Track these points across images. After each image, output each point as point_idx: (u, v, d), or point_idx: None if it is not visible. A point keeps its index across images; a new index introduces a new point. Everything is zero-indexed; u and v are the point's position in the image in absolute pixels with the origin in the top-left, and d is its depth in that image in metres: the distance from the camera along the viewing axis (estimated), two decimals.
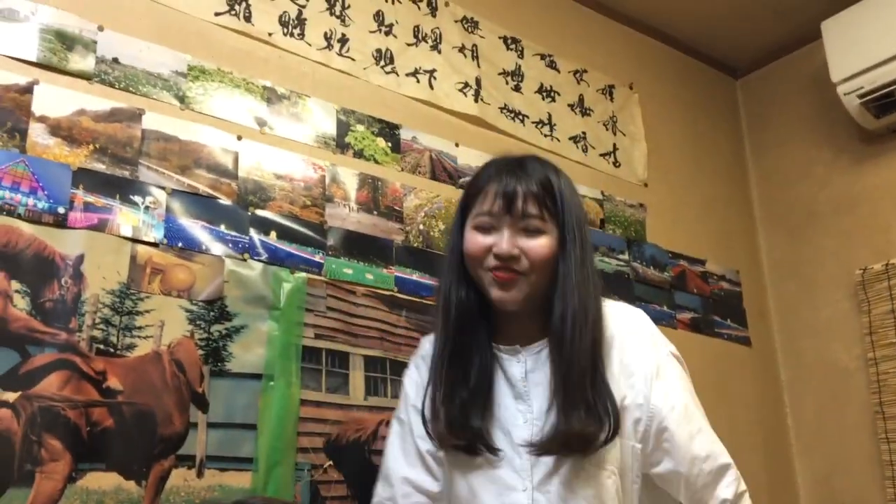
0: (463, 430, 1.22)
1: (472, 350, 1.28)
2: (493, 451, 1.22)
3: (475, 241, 1.28)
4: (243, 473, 1.48)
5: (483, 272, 1.28)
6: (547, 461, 1.21)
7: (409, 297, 1.82)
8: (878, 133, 2.36)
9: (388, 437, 1.36)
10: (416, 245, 1.88)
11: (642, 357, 1.28)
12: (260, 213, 1.66)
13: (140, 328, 1.44)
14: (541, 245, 1.25)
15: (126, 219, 1.48)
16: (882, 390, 2.19)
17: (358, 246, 1.78)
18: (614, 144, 2.41)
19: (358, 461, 1.63)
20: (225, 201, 1.62)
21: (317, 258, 1.71)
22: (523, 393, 1.26)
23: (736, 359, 2.49)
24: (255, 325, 1.58)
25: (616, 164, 2.39)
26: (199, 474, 1.44)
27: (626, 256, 2.30)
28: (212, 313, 1.53)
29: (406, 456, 1.32)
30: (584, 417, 1.18)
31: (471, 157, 2.04)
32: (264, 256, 1.63)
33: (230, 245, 1.60)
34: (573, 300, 1.24)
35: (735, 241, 2.68)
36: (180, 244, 1.53)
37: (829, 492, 2.35)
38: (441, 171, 1.99)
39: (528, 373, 1.27)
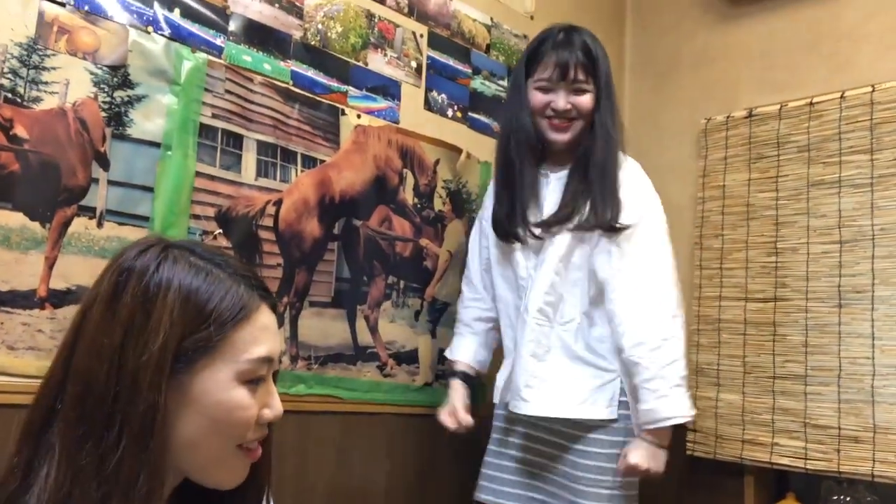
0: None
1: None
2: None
3: (538, 98, 1.89)
4: (140, 229, 1.63)
5: (542, 119, 1.89)
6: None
7: (304, 92, 1.94)
8: None
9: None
10: (313, 43, 1.97)
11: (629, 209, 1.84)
12: None
13: (46, 83, 1.51)
14: (585, 100, 1.87)
15: None
16: (703, 225, 2.54)
17: (258, 35, 1.87)
18: None
19: (245, 232, 1.80)
20: None
21: (218, 41, 1.79)
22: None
23: None
24: (156, 97, 1.67)
25: None
26: (100, 225, 1.57)
27: (505, 83, 2.48)
28: (115, 79, 1.61)
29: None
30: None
31: None
32: (167, 32, 1.70)
33: (135, 16, 1.65)
34: (606, 135, 1.85)
35: None
36: (87, 8, 1.58)
37: None
38: None
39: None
